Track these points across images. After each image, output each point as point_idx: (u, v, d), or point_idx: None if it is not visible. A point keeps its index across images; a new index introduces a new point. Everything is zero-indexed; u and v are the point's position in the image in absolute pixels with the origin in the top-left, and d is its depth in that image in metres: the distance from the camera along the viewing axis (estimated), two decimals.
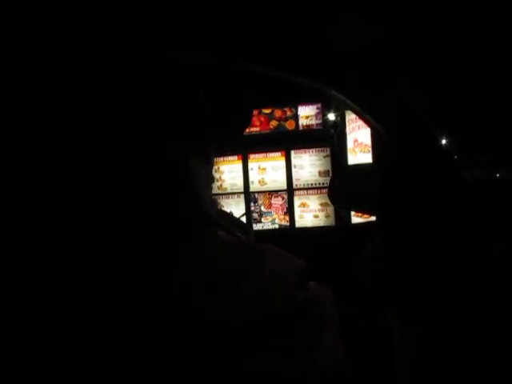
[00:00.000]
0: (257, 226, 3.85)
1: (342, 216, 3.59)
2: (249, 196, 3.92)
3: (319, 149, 3.78)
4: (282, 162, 3.86)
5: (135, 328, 0.36)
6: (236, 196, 3.96)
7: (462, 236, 0.63)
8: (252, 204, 3.92)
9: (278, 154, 3.87)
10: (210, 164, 0.54)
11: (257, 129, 3.88)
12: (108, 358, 0.36)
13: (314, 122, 3.81)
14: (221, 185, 3.95)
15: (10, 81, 0.41)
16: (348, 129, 3.57)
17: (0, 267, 0.39)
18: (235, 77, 0.49)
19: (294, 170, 3.83)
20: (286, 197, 3.84)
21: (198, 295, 0.36)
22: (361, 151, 3.39)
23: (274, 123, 3.88)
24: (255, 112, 3.79)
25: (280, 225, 3.85)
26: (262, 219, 3.89)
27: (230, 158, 3.95)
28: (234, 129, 0.48)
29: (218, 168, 3.91)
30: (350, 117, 3.50)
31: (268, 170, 3.90)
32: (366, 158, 3.31)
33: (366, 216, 3.25)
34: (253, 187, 3.93)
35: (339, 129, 3.62)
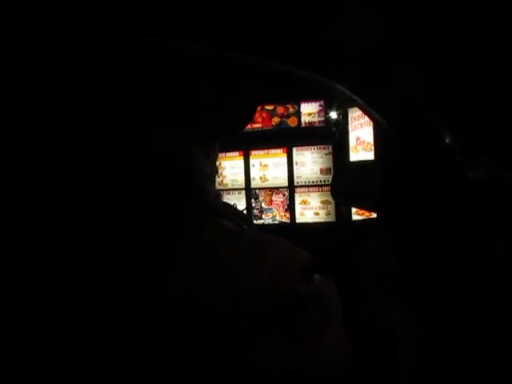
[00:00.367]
0: (257, 223, 3.85)
1: (342, 213, 3.59)
2: (250, 192, 3.92)
3: (321, 146, 3.77)
4: (284, 159, 3.85)
5: (138, 317, 0.35)
6: (237, 192, 3.96)
7: (463, 235, 0.63)
8: (253, 200, 3.92)
9: (280, 150, 3.87)
10: (215, 156, 0.54)
11: (259, 125, 3.88)
12: (110, 352, 0.36)
13: (316, 119, 3.80)
14: (222, 181, 3.95)
15: (7, 74, 0.40)
16: (350, 126, 3.56)
17: None
18: (241, 69, 0.48)
19: (295, 166, 3.82)
20: (287, 194, 3.84)
21: (201, 284, 0.36)
22: (363, 149, 3.39)
23: (276, 120, 3.87)
24: (258, 108, 3.79)
25: (280, 222, 3.85)
26: (263, 216, 3.89)
27: (232, 154, 3.94)
28: (236, 120, 0.48)
29: (220, 164, 3.91)
30: (353, 114, 3.49)
31: (269, 167, 3.89)
32: (368, 156, 3.30)
33: (366, 213, 3.25)
34: (254, 183, 3.93)
35: (341, 126, 3.61)
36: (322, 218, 3.76)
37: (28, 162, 0.41)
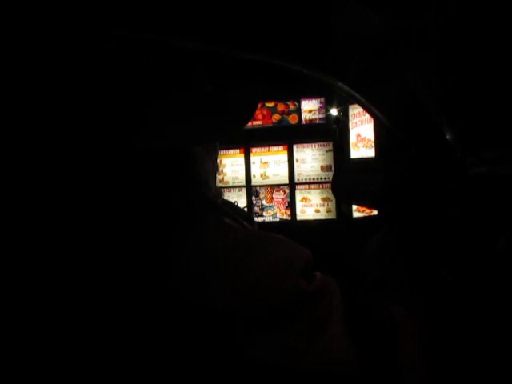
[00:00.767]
0: (258, 220, 3.85)
1: (343, 210, 3.59)
2: (250, 190, 3.92)
3: (322, 143, 3.76)
4: (285, 156, 3.85)
5: (139, 313, 0.36)
6: (238, 189, 3.96)
7: (465, 231, 0.63)
8: (253, 198, 3.91)
9: (281, 147, 3.86)
10: (216, 153, 0.54)
11: (259, 122, 3.87)
12: (111, 349, 0.36)
13: (316, 116, 3.79)
14: (222, 178, 3.95)
15: (8, 70, 0.40)
16: (351, 123, 3.55)
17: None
18: (241, 66, 0.48)
19: (296, 164, 3.82)
20: (287, 191, 3.83)
21: (203, 280, 0.36)
22: (364, 146, 3.38)
23: (276, 117, 3.86)
24: (258, 105, 3.78)
25: (281, 219, 3.85)
26: (264, 213, 3.89)
27: (232, 151, 3.94)
28: (237, 117, 0.48)
29: (220, 161, 3.90)
30: (353, 111, 3.48)
31: (270, 164, 3.89)
32: (369, 153, 3.30)
33: (367, 210, 3.25)
34: (255, 181, 3.92)
35: (342, 123, 3.60)
36: (322, 215, 3.76)
37: (29, 159, 0.41)
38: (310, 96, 3.77)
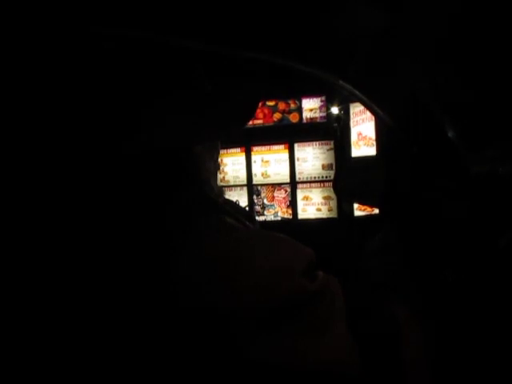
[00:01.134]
0: (259, 219, 3.85)
1: (344, 209, 3.58)
2: (252, 189, 3.92)
3: (323, 142, 3.76)
4: (286, 155, 3.84)
5: (141, 315, 0.35)
6: (239, 188, 3.95)
7: (466, 229, 0.63)
8: (255, 197, 3.91)
9: (282, 146, 3.86)
10: (218, 152, 0.54)
11: (260, 121, 3.87)
12: (113, 347, 0.36)
13: (317, 114, 3.79)
14: (223, 177, 3.94)
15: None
16: (352, 122, 3.54)
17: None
18: (242, 65, 0.48)
19: (297, 162, 3.81)
20: (288, 190, 3.83)
21: (203, 281, 0.36)
22: (365, 144, 3.37)
23: (277, 116, 3.86)
24: (259, 104, 3.77)
25: (282, 218, 3.85)
26: (265, 212, 3.89)
27: (233, 150, 3.94)
28: (237, 116, 0.48)
29: (221, 160, 3.90)
30: (355, 110, 3.47)
31: (271, 163, 3.88)
32: (370, 151, 3.29)
33: (369, 209, 3.24)
34: (256, 180, 3.92)
35: (343, 122, 3.60)
36: (323, 213, 3.75)
37: (23, 161, 0.41)
38: (310, 94, 3.76)
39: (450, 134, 0.63)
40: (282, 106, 3.84)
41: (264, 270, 0.37)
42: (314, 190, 3.78)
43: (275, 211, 3.87)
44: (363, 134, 3.41)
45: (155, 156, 0.43)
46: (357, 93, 0.56)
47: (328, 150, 3.75)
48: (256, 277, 0.36)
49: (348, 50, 0.54)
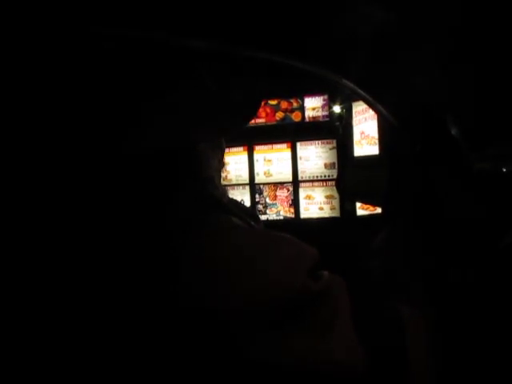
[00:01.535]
0: (262, 218, 3.84)
1: (347, 208, 3.58)
2: (254, 188, 3.92)
3: (325, 141, 3.75)
4: (288, 154, 3.84)
5: (140, 316, 0.35)
6: (241, 187, 3.95)
7: (470, 227, 0.62)
8: (257, 196, 3.91)
9: (284, 145, 3.85)
10: (222, 150, 0.54)
11: (262, 120, 3.86)
12: (112, 352, 0.36)
13: (320, 113, 3.78)
14: (226, 176, 3.94)
15: None
16: (354, 121, 3.53)
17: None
18: (244, 64, 0.48)
19: (299, 161, 3.81)
20: (291, 189, 3.83)
21: (208, 283, 0.36)
22: (367, 143, 3.36)
23: (280, 114, 3.85)
24: (261, 103, 3.77)
25: (285, 217, 3.85)
26: (267, 211, 3.89)
27: (236, 149, 3.93)
28: (240, 115, 0.47)
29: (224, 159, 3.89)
30: (357, 109, 3.46)
31: (273, 162, 3.88)
32: (373, 150, 3.28)
33: (371, 208, 3.24)
34: (258, 179, 3.92)
35: (345, 121, 3.59)
36: (326, 212, 3.75)
37: (23, 161, 0.40)
38: (313, 93, 3.75)
39: (453, 133, 0.63)
40: (284, 104, 3.84)
41: (267, 270, 0.37)
42: (316, 188, 3.77)
43: (277, 210, 3.87)
44: (366, 132, 3.39)
45: (155, 155, 0.42)
46: (360, 91, 0.55)
47: (330, 149, 3.75)
48: (261, 277, 0.36)
49: (351, 48, 0.54)
